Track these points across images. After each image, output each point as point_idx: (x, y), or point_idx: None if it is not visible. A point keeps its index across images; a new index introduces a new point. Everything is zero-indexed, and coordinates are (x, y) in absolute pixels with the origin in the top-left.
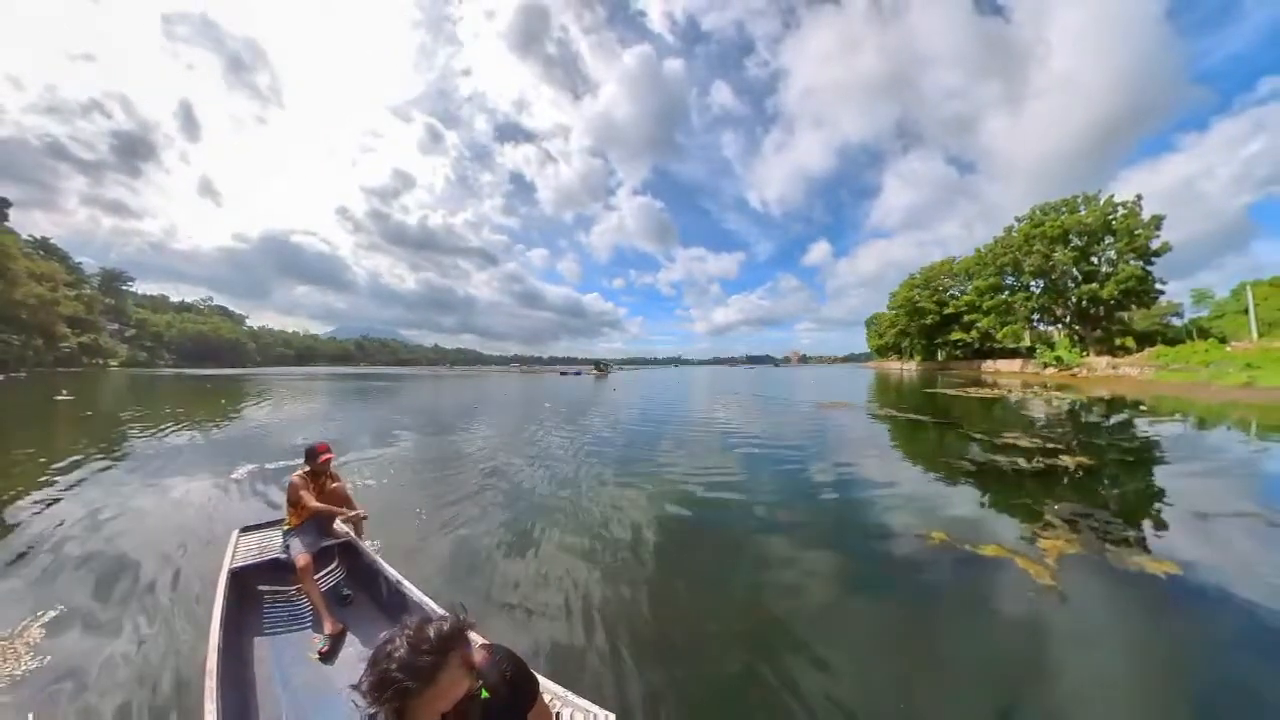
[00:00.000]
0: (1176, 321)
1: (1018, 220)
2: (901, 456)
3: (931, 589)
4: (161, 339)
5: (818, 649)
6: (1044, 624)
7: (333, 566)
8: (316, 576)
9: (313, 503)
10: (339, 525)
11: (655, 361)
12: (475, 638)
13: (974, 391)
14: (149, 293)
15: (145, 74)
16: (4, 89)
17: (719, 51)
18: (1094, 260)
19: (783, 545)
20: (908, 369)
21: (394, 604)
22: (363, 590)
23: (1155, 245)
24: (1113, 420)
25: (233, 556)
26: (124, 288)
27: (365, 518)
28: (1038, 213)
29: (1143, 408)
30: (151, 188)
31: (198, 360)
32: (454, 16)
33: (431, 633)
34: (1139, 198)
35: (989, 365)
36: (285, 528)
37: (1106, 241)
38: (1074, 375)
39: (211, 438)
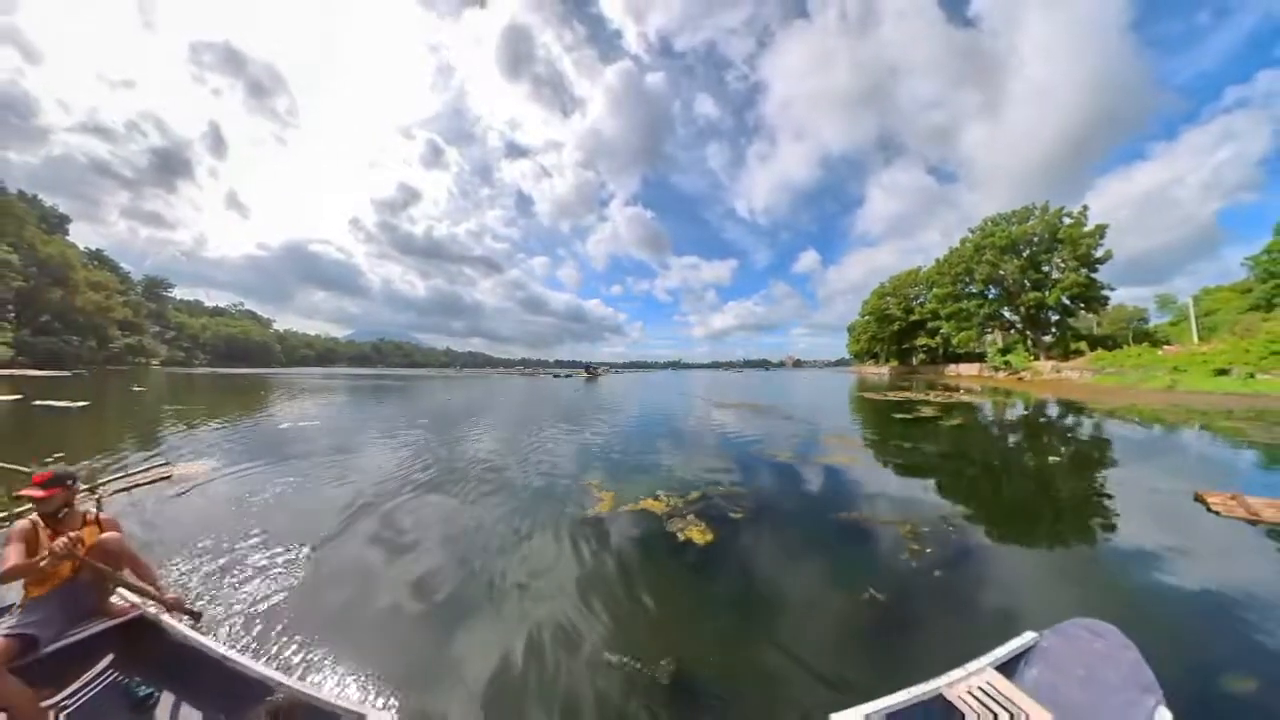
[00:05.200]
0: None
1: (970, 232)
2: (691, 439)
3: (531, 507)
4: (198, 340)
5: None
6: (548, 536)
7: (108, 660)
8: (84, 678)
9: (13, 561)
10: (123, 596)
11: (655, 365)
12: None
13: (895, 395)
14: (183, 297)
15: (176, 98)
16: (55, 113)
17: (697, 67)
18: (1043, 269)
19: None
20: (880, 373)
21: (223, 692)
22: (171, 682)
23: (1099, 253)
24: (972, 424)
25: None
26: (164, 293)
27: (165, 599)
28: (988, 224)
29: (1025, 411)
30: (184, 201)
31: (229, 360)
32: (446, 43)
33: None
34: (1084, 208)
35: (952, 369)
36: (17, 604)
37: (1055, 250)
38: (1021, 379)
39: (284, 415)
